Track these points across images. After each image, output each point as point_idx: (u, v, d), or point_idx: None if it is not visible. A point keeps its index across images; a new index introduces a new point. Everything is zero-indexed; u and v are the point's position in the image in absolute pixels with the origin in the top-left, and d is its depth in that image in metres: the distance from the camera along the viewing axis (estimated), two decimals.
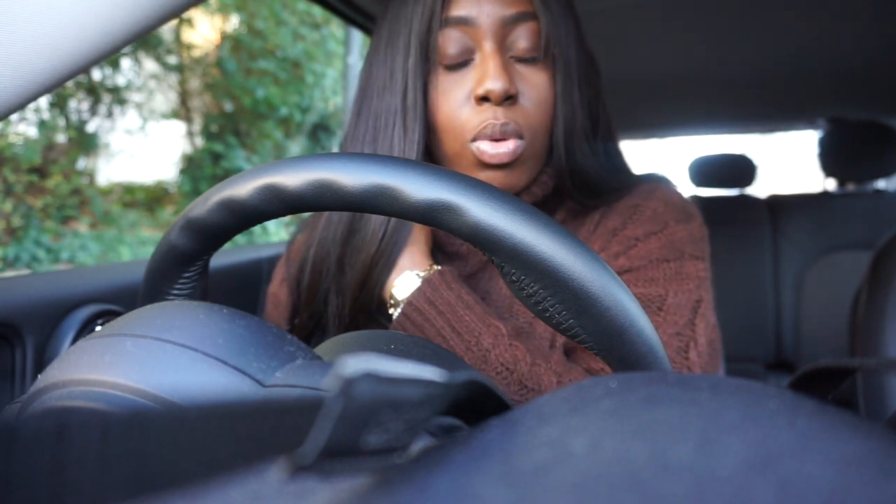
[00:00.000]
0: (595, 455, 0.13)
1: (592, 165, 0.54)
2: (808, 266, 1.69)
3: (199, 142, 4.88)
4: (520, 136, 0.50)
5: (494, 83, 0.48)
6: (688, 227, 0.53)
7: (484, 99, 0.49)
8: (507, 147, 0.49)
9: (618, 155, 0.60)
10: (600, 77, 0.58)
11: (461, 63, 0.51)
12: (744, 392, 0.16)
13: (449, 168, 0.52)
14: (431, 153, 0.54)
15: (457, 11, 0.50)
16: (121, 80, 4.37)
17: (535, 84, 0.51)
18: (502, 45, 0.50)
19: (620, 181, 0.57)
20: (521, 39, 0.50)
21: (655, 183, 0.57)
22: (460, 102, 0.50)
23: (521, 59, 0.51)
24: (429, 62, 0.51)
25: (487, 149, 0.49)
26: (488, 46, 0.49)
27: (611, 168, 0.57)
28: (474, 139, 0.50)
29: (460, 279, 0.49)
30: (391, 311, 0.50)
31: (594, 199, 0.55)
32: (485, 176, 0.51)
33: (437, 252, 0.57)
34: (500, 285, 0.55)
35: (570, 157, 0.53)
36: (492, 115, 0.49)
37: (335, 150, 1.78)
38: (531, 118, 0.51)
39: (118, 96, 4.32)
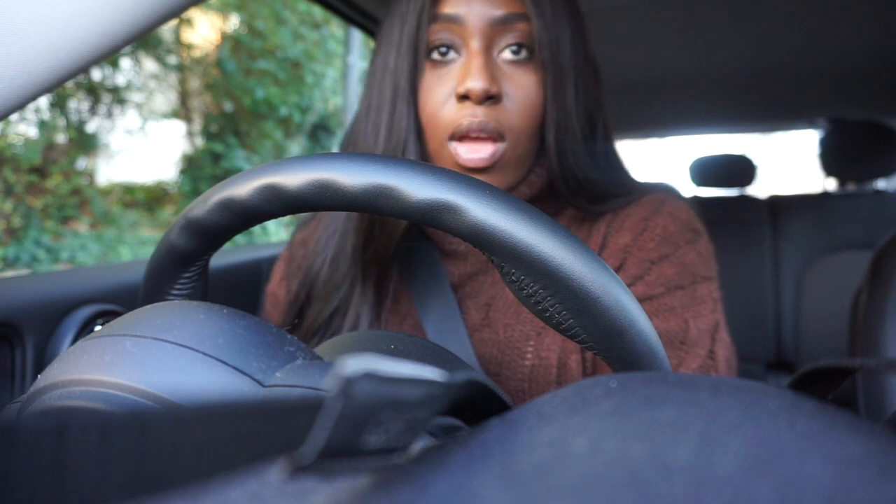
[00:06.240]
0: (595, 455, 0.13)
1: (588, 169, 0.54)
2: (808, 266, 1.69)
3: (199, 142, 4.88)
4: (500, 138, 0.50)
5: (475, 82, 0.48)
6: (696, 248, 0.53)
7: (465, 97, 0.49)
8: (485, 152, 0.49)
9: (616, 160, 0.59)
10: (601, 82, 0.58)
11: (448, 60, 0.51)
12: (744, 392, 0.16)
13: None
14: (419, 150, 0.54)
15: (447, 9, 0.50)
16: (121, 80, 4.37)
17: (521, 85, 0.51)
18: (490, 44, 0.50)
19: (620, 187, 0.56)
20: (511, 40, 0.50)
21: (662, 194, 0.57)
22: (443, 99, 0.50)
23: (510, 60, 0.51)
24: (417, 59, 0.51)
25: (463, 153, 0.49)
26: (475, 45, 0.49)
27: (609, 173, 0.57)
28: (452, 137, 0.50)
29: None
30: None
31: (593, 204, 0.55)
32: None
33: (436, 250, 0.57)
34: (506, 291, 0.54)
35: (562, 161, 0.52)
36: (471, 113, 0.49)
37: (335, 150, 1.78)
38: (514, 120, 0.50)
39: (118, 96, 4.32)
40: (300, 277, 0.58)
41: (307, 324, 0.56)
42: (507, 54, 0.51)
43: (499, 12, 0.49)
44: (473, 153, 0.49)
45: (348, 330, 0.54)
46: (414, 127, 0.52)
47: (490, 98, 0.49)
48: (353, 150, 0.56)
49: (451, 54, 0.51)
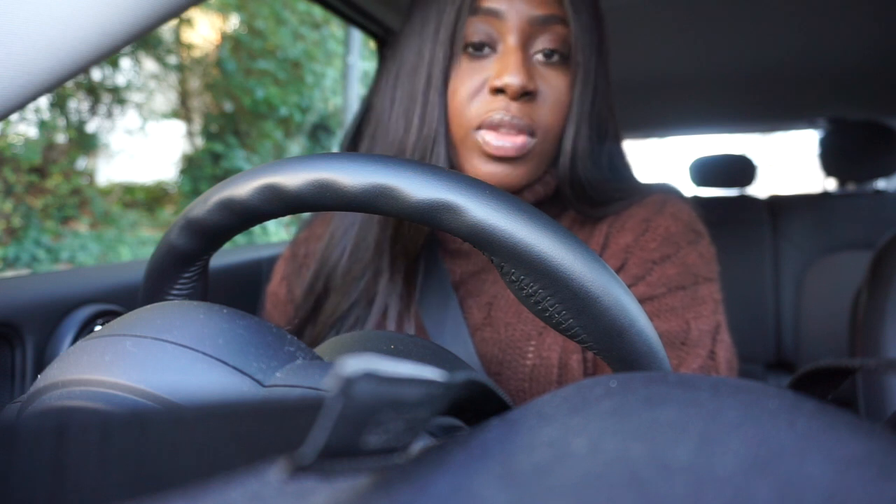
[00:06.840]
0: (595, 455, 0.13)
1: (594, 175, 0.54)
2: (808, 266, 1.69)
3: (199, 142, 4.87)
4: (531, 134, 0.50)
5: (513, 77, 0.48)
6: (698, 249, 0.53)
7: (499, 91, 0.49)
8: (514, 141, 0.49)
9: (623, 165, 0.59)
10: (610, 87, 0.58)
11: (484, 54, 0.51)
12: (744, 392, 0.16)
13: (455, 156, 0.53)
14: (448, 140, 0.54)
15: (488, 3, 0.50)
16: (121, 80, 4.37)
17: (554, 86, 0.51)
18: (527, 42, 0.50)
19: (623, 191, 0.56)
20: (547, 41, 0.51)
21: (664, 195, 0.57)
22: (475, 90, 0.51)
23: (544, 61, 0.51)
24: (454, 50, 0.51)
25: (492, 140, 0.49)
26: (512, 41, 0.50)
27: (614, 178, 0.57)
28: (479, 127, 0.50)
29: None
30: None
31: (594, 209, 0.55)
32: (489, 168, 0.51)
33: (439, 249, 0.57)
34: (508, 291, 0.54)
35: (573, 165, 0.53)
36: (503, 107, 0.49)
37: (335, 149, 1.78)
38: (545, 118, 0.51)
39: (118, 96, 4.32)
40: (315, 269, 0.58)
41: (324, 316, 0.55)
42: (539, 56, 0.51)
43: (538, 12, 0.50)
44: (502, 141, 0.49)
45: (375, 321, 0.54)
46: (444, 117, 0.52)
47: (526, 94, 0.49)
48: (375, 142, 0.56)
49: (486, 50, 0.51)
